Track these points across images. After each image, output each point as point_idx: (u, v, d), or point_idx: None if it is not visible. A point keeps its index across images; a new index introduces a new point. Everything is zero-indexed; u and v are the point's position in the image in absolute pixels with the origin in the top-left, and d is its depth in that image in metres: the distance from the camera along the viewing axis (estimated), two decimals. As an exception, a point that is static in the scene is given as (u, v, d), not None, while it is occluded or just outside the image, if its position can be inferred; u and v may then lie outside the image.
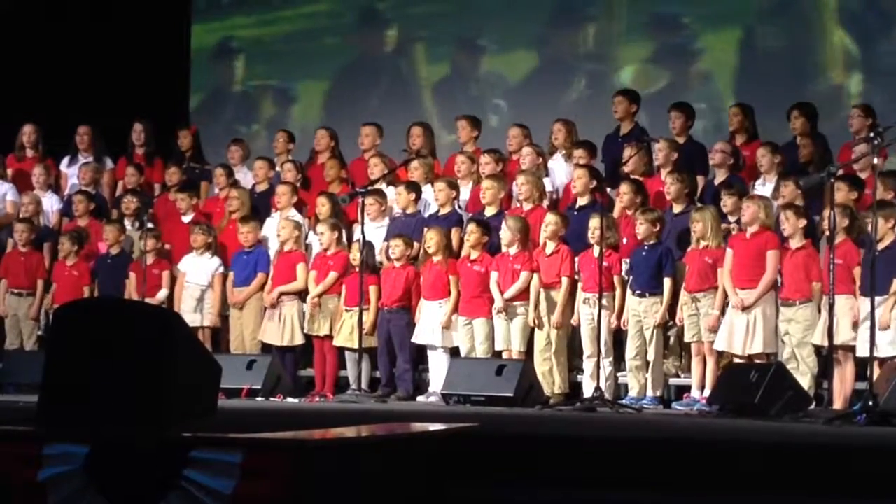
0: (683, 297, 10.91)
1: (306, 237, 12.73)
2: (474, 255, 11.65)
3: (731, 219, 11.06)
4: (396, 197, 12.39)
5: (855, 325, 10.03)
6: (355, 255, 11.83)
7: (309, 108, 15.69)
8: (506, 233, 11.48)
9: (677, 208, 11.37)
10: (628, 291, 11.12)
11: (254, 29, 16.15)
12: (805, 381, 10.17)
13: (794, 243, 10.44)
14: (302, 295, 12.33)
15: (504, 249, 11.55)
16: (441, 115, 14.74)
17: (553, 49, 14.69)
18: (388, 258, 12.02)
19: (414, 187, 12.37)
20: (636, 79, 14.03)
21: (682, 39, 14.16)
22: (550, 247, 11.37)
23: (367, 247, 11.77)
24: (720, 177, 11.67)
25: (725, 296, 10.71)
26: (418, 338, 11.80)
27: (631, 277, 11.13)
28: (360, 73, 15.51)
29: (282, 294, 12.28)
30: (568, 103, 14.25)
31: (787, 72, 13.62)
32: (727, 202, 11.09)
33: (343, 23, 15.72)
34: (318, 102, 15.69)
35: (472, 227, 11.74)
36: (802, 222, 10.43)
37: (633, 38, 14.38)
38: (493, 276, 11.50)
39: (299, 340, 12.29)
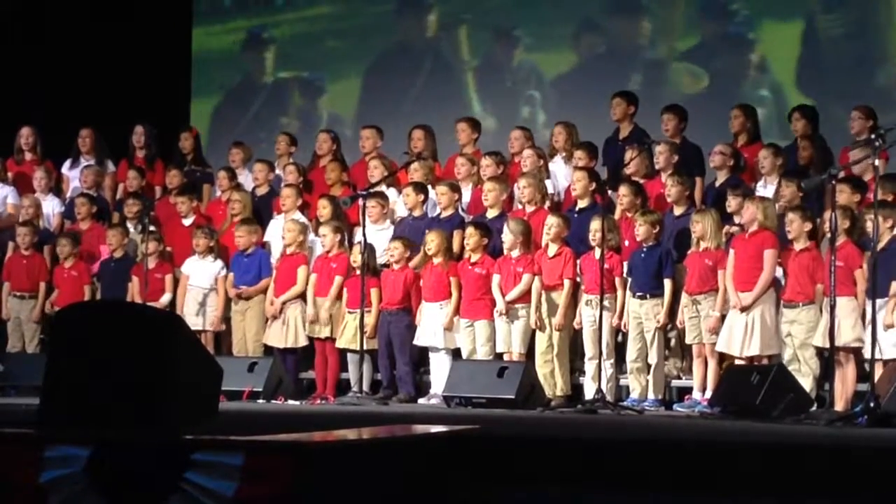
0: (684, 299, 10.92)
1: (310, 240, 12.73)
2: (475, 257, 11.65)
3: (737, 220, 11.05)
4: (404, 198, 12.38)
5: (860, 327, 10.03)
6: (356, 258, 11.84)
7: (342, 99, 15.59)
8: (508, 235, 11.48)
9: (678, 210, 11.37)
10: (628, 293, 11.12)
11: (285, 24, 16.03)
12: (807, 382, 10.17)
13: (799, 245, 10.44)
14: (304, 297, 12.33)
15: (506, 252, 11.56)
16: (484, 101, 14.68)
17: (609, 38, 14.49)
18: (389, 259, 12.03)
19: (422, 188, 12.36)
20: (689, 71, 13.85)
21: (738, 28, 13.90)
22: (553, 249, 11.37)
23: (369, 249, 11.77)
24: (720, 178, 11.67)
25: (726, 297, 10.71)
26: (420, 340, 11.80)
27: (630, 279, 11.14)
28: (399, 59, 15.33)
29: (285, 302, 12.30)
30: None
31: (850, 62, 13.43)
32: (732, 203, 11.08)
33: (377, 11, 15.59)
34: (354, 92, 15.54)
35: (470, 229, 11.74)
36: (808, 225, 10.42)
37: (690, 28, 14.18)
38: (496, 278, 11.51)
39: (302, 342, 12.30)
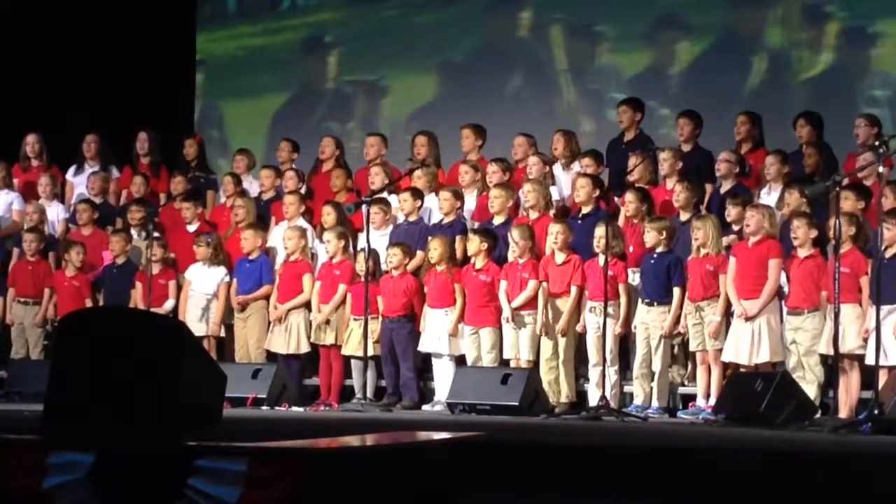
0: (687, 306, 10.91)
1: (312, 246, 12.74)
2: (480, 263, 11.65)
3: (735, 228, 11.05)
4: (401, 203, 12.40)
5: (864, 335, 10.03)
6: (361, 265, 11.84)
7: (406, 102, 15.40)
8: (513, 243, 11.47)
9: (684, 216, 11.36)
10: (639, 300, 11.12)
11: (346, 24, 15.84)
12: (811, 389, 10.16)
13: (804, 252, 10.43)
14: (308, 304, 12.33)
15: (512, 259, 11.55)
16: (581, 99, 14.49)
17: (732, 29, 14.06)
18: (388, 266, 12.04)
19: (419, 194, 12.38)
20: (805, 61, 13.56)
21: (859, 22, 13.45)
22: (561, 257, 11.36)
23: (373, 256, 11.78)
24: (726, 186, 11.66)
25: (729, 303, 10.70)
26: (424, 346, 11.80)
27: (641, 286, 11.13)
28: (494, 55, 14.96)
29: (290, 310, 12.30)
30: (747, 90, 13.75)
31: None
32: (731, 212, 11.09)
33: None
34: (428, 96, 15.35)
35: (471, 235, 11.75)
36: (814, 232, 10.41)
37: (809, 19, 13.68)
38: (503, 284, 11.50)
39: (305, 349, 12.30)
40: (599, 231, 11.01)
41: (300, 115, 15.70)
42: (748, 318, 10.49)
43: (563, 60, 14.65)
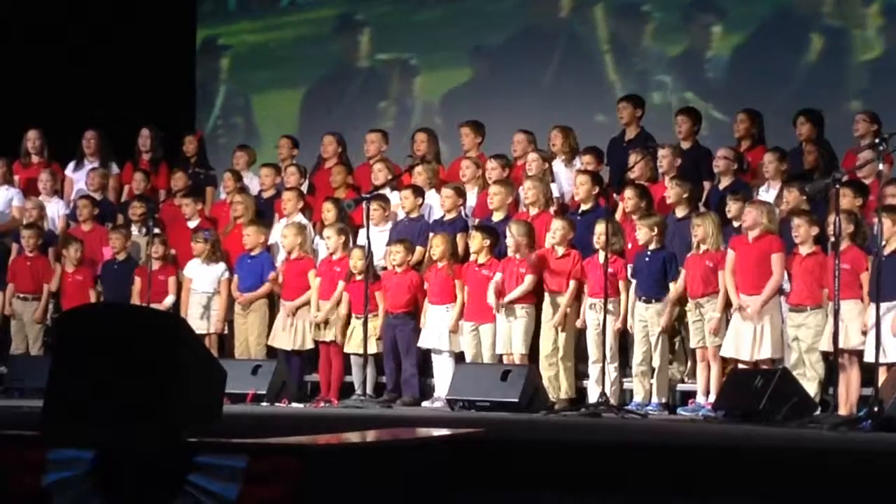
0: (688, 302, 10.90)
1: (313, 241, 12.74)
2: (482, 260, 11.65)
3: (736, 224, 11.04)
4: (402, 201, 12.40)
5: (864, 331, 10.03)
6: (356, 263, 11.85)
7: (441, 82, 15.23)
8: (511, 239, 11.47)
9: (680, 213, 11.36)
10: (633, 297, 11.11)
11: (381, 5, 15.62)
12: (812, 386, 10.16)
13: (805, 249, 10.42)
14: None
15: (510, 254, 11.55)
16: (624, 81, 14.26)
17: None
18: (390, 263, 12.04)
19: (420, 191, 12.38)
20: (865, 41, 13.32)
21: None
22: (560, 251, 11.37)
23: (371, 252, 11.79)
24: (724, 182, 11.66)
25: (728, 299, 10.70)
26: (424, 342, 11.80)
27: (635, 283, 11.13)
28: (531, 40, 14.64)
29: (297, 309, 12.30)
30: (801, 69, 13.54)
31: None
32: (732, 208, 11.08)
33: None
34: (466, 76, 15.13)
35: (473, 232, 11.75)
36: (815, 229, 10.41)
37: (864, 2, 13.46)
38: (497, 276, 11.49)
39: (309, 345, 12.30)
40: (599, 228, 11.01)
41: (332, 96, 15.55)
42: (751, 315, 10.47)
43: (606, 41, 14.43)
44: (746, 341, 10.51)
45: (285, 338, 12.31)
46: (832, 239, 9.79)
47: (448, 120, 14.28)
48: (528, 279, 11.40)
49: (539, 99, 14.09)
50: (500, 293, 11.43)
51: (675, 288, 10.97)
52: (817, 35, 13.57)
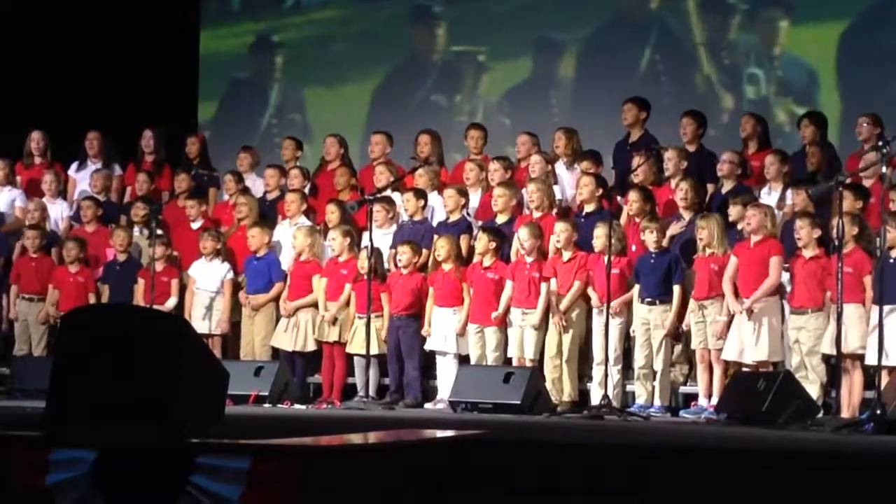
0: (692, 304, 10.91)
1: (322, 246, 12.73)
2: (487, 262, 11.64)
3: (738, 227, 11.04)
4: (405, 203, 12.40)
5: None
6: (362, 263, 11.85)
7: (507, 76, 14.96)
8: (526, 242, 11.44)
9: (686, 216, 11.36)
10: (637, 299, 11.11)
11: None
12: (814, 389, 10.16)
13: (808, 252, 10.43)
14: (316, 303, 12.33)
15: (515, 257, 11.55)
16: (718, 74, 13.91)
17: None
18: (396, 265, 12.04)
19: (422, 194, 12.38)
20: None
21: None
22: (567, 255, 11.36)
23: (376, 254, 11.79)
24: (727, 186, 11.65)
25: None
26: (430, 344, 11.80)
27: (639, 285, 11.13)
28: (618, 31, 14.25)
29: (298, 309, 12.31)
30: None
31: None
32: (733, 211, 11.08)
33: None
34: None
35: (479, 234, 11.75)
36: (817, 232, 10.41)
37: None
38: (508, 285, 11.48)
39: (312, 347, 12.30)
40: (601, 230, 11.01)
41: (403, 90, 15.32)
42: (748, 312, 10.47)
43: (699, 33, 14.03)
44: (748, 344, 10.51)
45: (287, 338, 12.32)
46: (835, 242, 9.78)
47: (532, 112, 13.98)
48: (543, 287, 11.37)
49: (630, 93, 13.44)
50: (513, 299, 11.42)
51: (679, 291, 10.96)
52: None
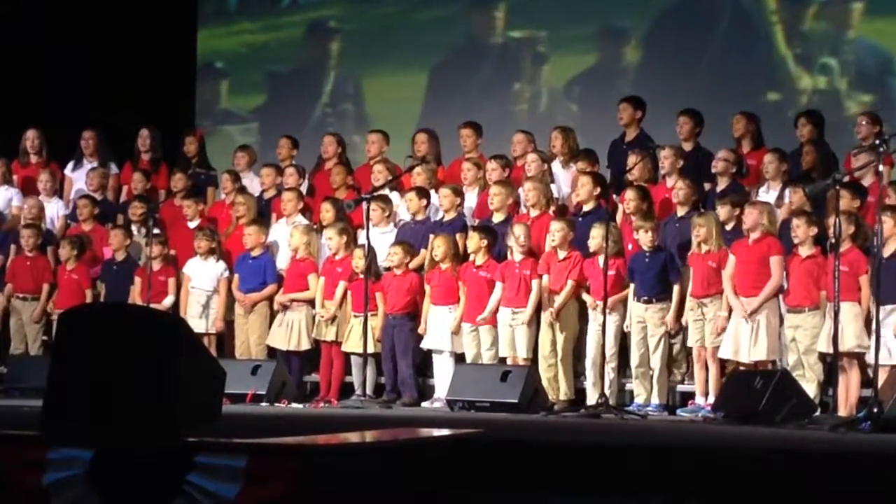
0: (689, 302, 10.91)
1: (319, 245, 12.72)
2: (480, 260, 11.64)
3: (727, 227, 11.02)
4: (407, 203, 12.39)
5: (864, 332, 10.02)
6: (357, 262, 11.85)
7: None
8: (518, 240, 11.44)
9: (681, 213, 11.35)
10: (632, 298, 11.11)
11: None
12: (811, 388, 10.16)
13: (804, 251, 10.43)
14: (311, 302, 12.32)
15: (510, 257, 11.54)
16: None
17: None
18: (389, 264, 12.05)
19: (424, 193, 12.36)
20: None
21: None
22: (562, 253, 11.36)
23: (372, 253, 11.79)
24: (722, 184, 11.65)
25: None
26: (426, 343, 11.80)
27: (633, 284, 11.13)
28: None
29: (293, 301, 12.29)
30: None
31: None
32: (722, 212, 11.09)
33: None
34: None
35: (471, 232, 11.75)
36: (814, 230, 10.42)
37: None
38: (498, 286, 11.48)
39: (306, 346, 12.29)
40: (595, 231, 11.01)
41: (461, 76, 15.09)
42: (748, 315, 10.48)
43: (774, 13, 13.72)
44: (744, 343, 10.51)
45: (281, 336, 12.31)
46: (832, 240, 9.79)
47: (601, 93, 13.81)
48: (534, 285, 11.37)
49: (699, 81, 13.43)
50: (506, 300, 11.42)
51: (677, 289, 10.96)
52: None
